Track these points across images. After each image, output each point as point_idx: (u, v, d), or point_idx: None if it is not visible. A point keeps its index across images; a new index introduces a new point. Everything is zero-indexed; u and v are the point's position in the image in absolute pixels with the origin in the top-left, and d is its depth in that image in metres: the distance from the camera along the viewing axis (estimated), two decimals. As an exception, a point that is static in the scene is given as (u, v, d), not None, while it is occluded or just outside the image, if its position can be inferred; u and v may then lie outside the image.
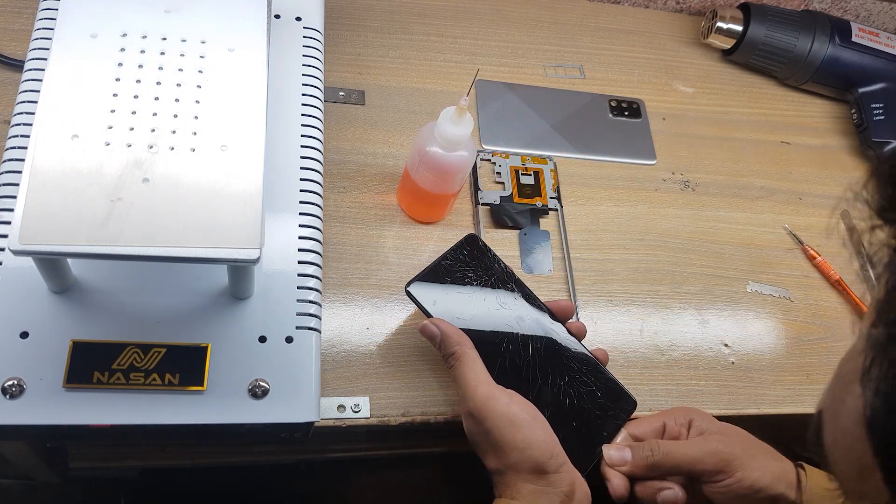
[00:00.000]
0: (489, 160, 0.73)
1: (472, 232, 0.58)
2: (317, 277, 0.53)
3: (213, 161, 0.46)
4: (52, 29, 0.50)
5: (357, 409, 0.56)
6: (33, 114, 0.46)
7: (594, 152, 0.78)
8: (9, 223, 0.45)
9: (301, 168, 0.56)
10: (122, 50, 0.49)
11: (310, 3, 0.64)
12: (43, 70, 0.49)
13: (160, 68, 0.49)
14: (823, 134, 0.88)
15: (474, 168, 0.71)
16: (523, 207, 0.70)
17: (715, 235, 0.75)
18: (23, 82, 0.54)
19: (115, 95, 0.47)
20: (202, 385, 0.47)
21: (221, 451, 0.73)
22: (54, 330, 0.47)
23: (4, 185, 0.49)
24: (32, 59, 0.54)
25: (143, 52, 0.49)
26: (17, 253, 0.41)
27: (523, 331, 0.55)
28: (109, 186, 0.43)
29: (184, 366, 0.47)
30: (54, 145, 0.44)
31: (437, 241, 0.67)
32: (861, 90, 0.86)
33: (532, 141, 0.76)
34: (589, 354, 0.56)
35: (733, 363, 0.68)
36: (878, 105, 0.85)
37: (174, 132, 0.46)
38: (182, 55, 0.49)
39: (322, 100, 0.61)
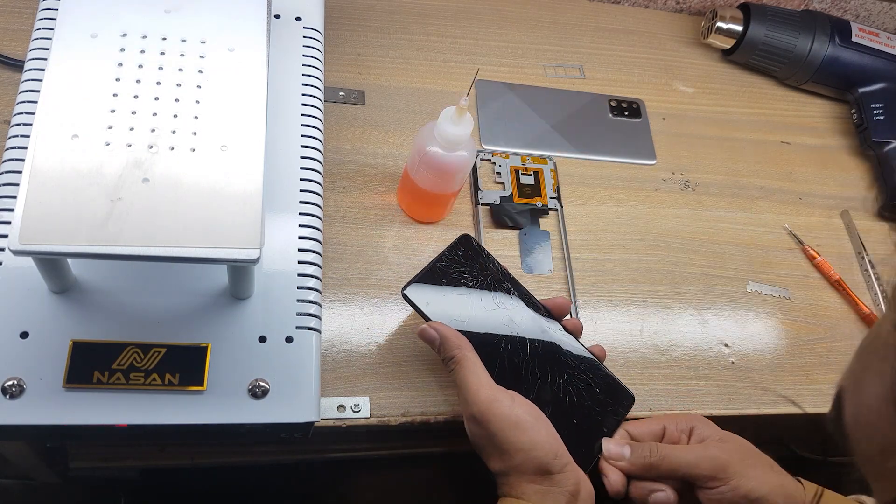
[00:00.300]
0: (489, 160, 0.73)
1: (467, 232, 0.58)
2: (317, 277, 0.53)
3: (213, 161, 0.46)
4: (52, 29, 0.50)
5: (357, 409, 0.56)
6: (33, 114, 0.46)
7: (594, 152, 0.78)
8: (9, 223, 0.45)
9: (301, 168, 0.56)
10: (122, 50, 0.49)
11: (310, 3, 0.64)
12: (43, 70, 0.49)
13: (160, 68, 0.49)
14: (823, 134, 0.88)
15: (474, 168, 0.71)
16: (523, 207, 0.70)
17: (715, 235, 0.75)
18: (23, 82, 0.54)
19: (115, 95, 0.47)
20: (202, 385, 0.47)
21: (221, 451, 0.73)
22: (54, 330, 0.47)
23: (4, 185, 0.49)
24: (32, 59, 0.54)
25: (143, 52, 0.49)
26: (17, 253, 0.41)
27: (521, 330, 0.55)
28: (109, 186, 0.43)
29: (184, 366, 0.47)
30: (54, 145, 0.44)
31: (437, 241, 0.67)
32: (861, 90, 0.86)
33: (532, 141, 0.76)
34: (586, 351, 0.56)
35: (733, 363, 0.68)
36: (878, 105, 0.85)
37: (174, 132, 0.46)
38: (182, 55, 0.49)
39: (322, 100, 0.61)
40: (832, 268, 0.75)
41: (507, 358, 0.54)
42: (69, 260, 0.47)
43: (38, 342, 0.46)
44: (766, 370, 0.68)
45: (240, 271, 0.48)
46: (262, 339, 0.49)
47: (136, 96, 0.47)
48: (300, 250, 0.53)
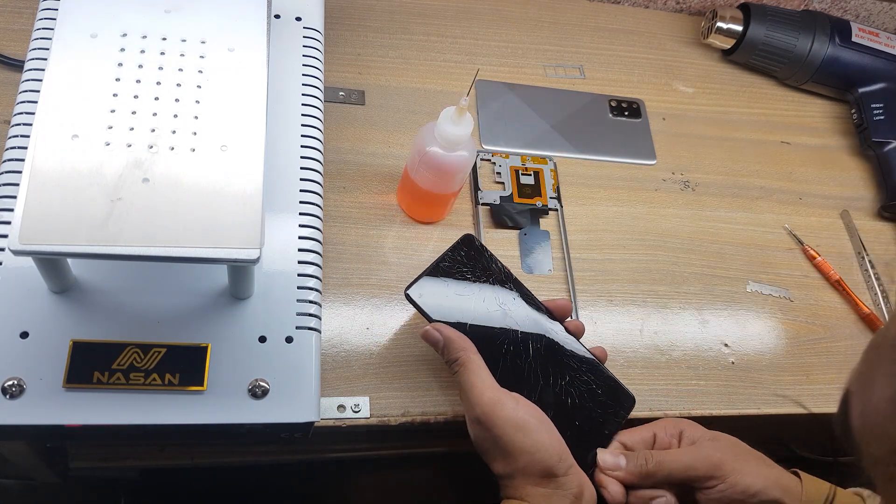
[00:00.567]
0: (489, 160, 0.73)
1: (469, 232, 0.58)
2: (317, 277, 0.53)
3: (213, 161, 0.46)
4: (52, 29, 0.50)
5: (357, 409, 0.56)
6: (33, 114, 0.46)
7: (594, 152, 0.78)
8: (9, 223, 0.45)
9: (301, 168, 0.56)
10: (122, 50, 0.49)
11: (310, 3, 0.64)
12: (43, 70, 0.49)
13: (160, 68, 0.49)
14: (823, 134, 0.88)
15: (474, 168, 0.71)
16: (523, 207, 0.70)
17: (715, 235, 0.75)
18: (23, 82, 0.54)
19: (115, 95, 0.47)
20: (202, 385, 0.47)
21: (221, 451, 0.73)
22: (54, 330, 0.47)
23: (4, 185, 0.49)
24: (32, 59, 0.54)
25: (143, 52, 0.49)
26: (17, 253, 0.41)
27: (523, 331, 0.55)
28: (109, 186, 0.43)
29: (184, 366, 0.47)
30: (54, 145, 0.44)
31: (437, 241, 0.67)
32: (861, 90, 0.86)
33: (532, 141, 0.76)
34: (588, 353, 0.56)
35: (733, 363, 0.68)
36: (878, 105, 0.85)
37: (174, 132, 0.46)
38: (182, 55, 0.49)
39: (322, 100, 0.61)
40: (832, 268, 0.75)
41: (510, 359, 0.54)
42: (69, 260, 0.47)
43: (38, 342, 0.46)
44: (766, 370, 0.68)
45: (240, 271, 0.48)
46: (262, 339, 0.49)
47: (136, 96, 0.47)
48: (300, 250, 0.53)
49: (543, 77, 0.82)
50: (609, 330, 0.66)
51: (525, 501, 0.47)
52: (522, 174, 0.73)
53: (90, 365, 0.46)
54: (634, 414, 0.56)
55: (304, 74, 0.61)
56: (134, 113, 0.46)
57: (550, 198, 0.72)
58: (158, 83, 0.48)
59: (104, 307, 0.48)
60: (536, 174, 0.73)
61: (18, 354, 0.45)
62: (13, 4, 0.69)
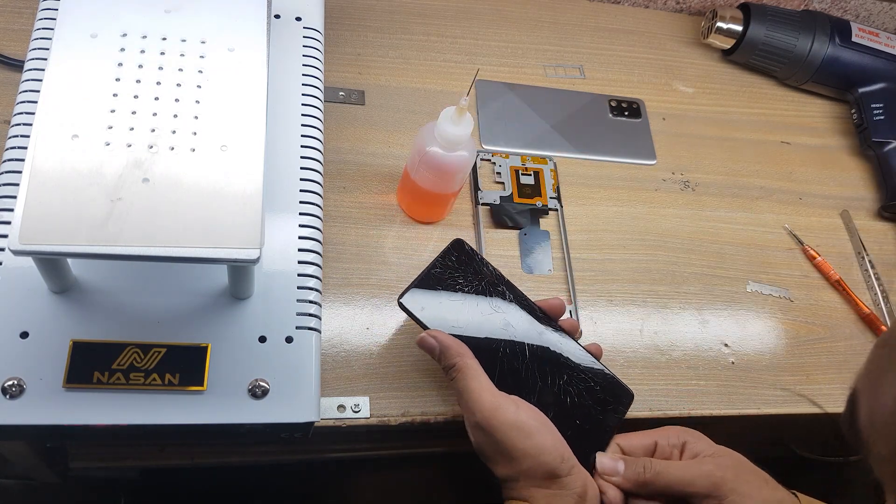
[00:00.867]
0: (489, 160, 0.73)
1: (459, 237, 0.58)
2: (317, 277, 0.53)
3: (213, 161, 0.46)
4: (52, 29, 0.50)
5: (357, 409, 0.56)
6: (33, 114, 0.46)
7: (594, 152, 0.78)
8: (9, 223, 0.45)
9: (301, 168, 0.56)
10: (122, 50, 0.49)
11: (310, 3, 0.64)
12: (43, 70, 0.49)
13: (160, 68, 0.49)
14: (823, 134, 0.88)
15: (474, 168, 0.71)
16: (523, 207, 0.70)
17: (715, 235, 0.75)
18: (23, 82, 0.54)
19: (115, 95, 0.47)
20: (202, 385, 0.47)
21: (221, 451, 0.73)
22: (54, 330, 0.47)
23: (4, 185, 0.49)
24: (32, 59, 0.54)
25: (143, 52, 0.49)
26: (17, 253, 0.41)
27: (518, 333, 0.55)
28: (109, 186, 0.43)
29: (184, 366, 0.47)
30: (54, 145, 0.44)
31: (437, 241, 0.67)
32: (861, 90, 0.86)
33: (532, 141, 0.76)
34: (584, 351, 0.56)
35: (733, 363, 0.68)
36: (878, 105, 0.85)
37: (174, 132, 0.46)
38: (182, 55, 0.49)
39: (322, 100, 0.61)
40: (832, 268, 0.75)
41: (507, 362, 0.54)
42: (69, 260, 0.47)
43: (38, 342, 0.46)
44: (766, 370, 0.68)
45: (240, 271, 0.48)
46: (262, 339, 0.49)
47: (136, 96, 0.47)
48: (300, 250, 0.53)
49: (543, 77, 0.82)
50: (609, 330, 0.66)
51: (528, 502, 0.47)
52: (522, 174, 0.73)
53: (90, 365, 0.46)
54: (634, 414, 0.56)
55: (304, 74, 0.61)
56: (134, 113, 0.46)
57: (550, 198, 0.72)
58: (158, 83, 0.48)
59: (104, 307, 0.48)
60: (536, 174, 0.73)
61: (18, 354, 0.45)
62: (13, 4, 0.69)
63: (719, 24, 0.86)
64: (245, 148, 0.46)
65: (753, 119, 0.87)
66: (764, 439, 0.53)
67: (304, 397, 0.48)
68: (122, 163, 0.44)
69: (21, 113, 0.52)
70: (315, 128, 0.59)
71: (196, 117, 0.47)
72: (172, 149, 0.45)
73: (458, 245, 0.58)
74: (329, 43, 0.70)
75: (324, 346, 0.58)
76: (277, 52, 0.60)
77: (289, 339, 0.50)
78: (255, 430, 0.48)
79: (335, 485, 0.84)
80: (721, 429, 0.53)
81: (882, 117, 0.84)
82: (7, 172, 0.50)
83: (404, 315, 0.62)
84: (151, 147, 0.45)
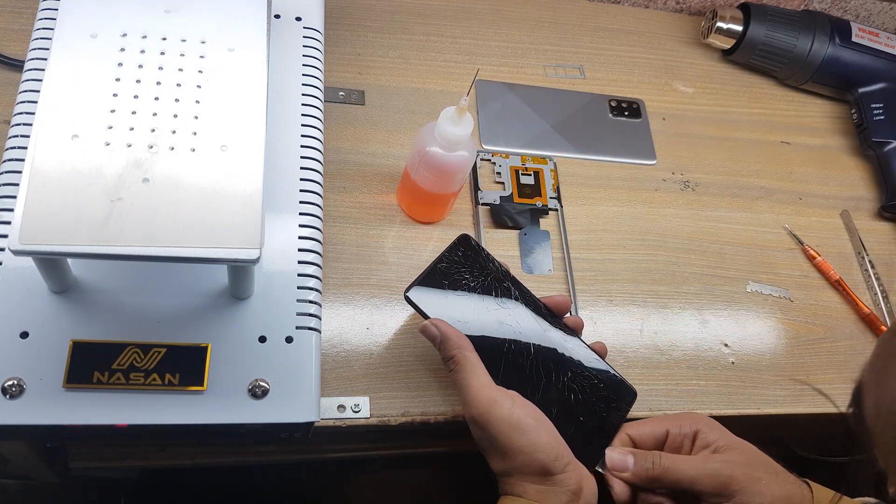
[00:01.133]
0: (489, 160, 0.73)
1: (465, 232, 0.58)
2: (317, 277, 0.53)
3: (213, 161, 0.46)
4: (52, 29, 0.50)
5: (357, 409, 0.56)
6: (33, 114, 0.46)
7: (594, 152, 0.78)
8: (9, 223, 0.45)
9: (301, 168, 0.56)
10: (122, 50, 0.49)
11: (310, 3, 0.64)
12: (43, 70, 0.49)
13: (160, 68, 0.49)
14: (823, 134, 0.88)
15: (474, 168, 0.71)
16: (523, 207, 0.70)
17: (715, 235, 0.75)
18: (23, 82, 0.54)
19: (115, 95, 0.47)
20: (202, 385, 0.47)
21: (221, 451, 0.73)
22: (54, 330, 0.47)
23: (4, 185, 0.49)
24: (32, 59, 0.54)
25: (143, 52, 0.49)
26: (17, 253, 0.41)
27: (523, 329, 0.55)
28: (109, 186, 0.43)
29: (184, 366, 0.47)
30: (54, 145, 0.44)
31: (437, 241, 0.67)
32: (861, 90, 0.86)
33: (532, 141, 0.76)
34: (588, 348, 0.56)
35: (733, 363, 0.68)
36: (878, 105, 0.85)
37: (174, 132, 0.46)
38: (182, 55, 0.49)
39: (322, 100, 0.61)
40: (832, 268, 0.75)
41: (512, 358, 0.54)
42: (69, 260, 0.47)
43: (38, 342, 0.46)
44: (766, 370, 0.68)
45: (240, 271, 0.48)
46: (262, 339, 0.49)
47: (136, 96, 0.47)
48: (300, 250, 0.53)
49: (543, 77, 0.82)
50: (609, 330, 0.66)
51: (522, 497, 0.47)
52: (522, 174, 0.73)
53: (90, 365, 0.46)
54: (634, 413, 0.56)
55: (304, 74, 0.61)
56: (134, 113, 0.46)
57: (550, 198, 0.72)
58: (158, 83, 0.48)
59: (104, 307, 0.48)
60: (536, 174, 0.73)
61: (18, 354, 0.45)
62: (13, 4, 0.69)
63: (719, 24, 0.86)
64: (245, 148, 0.46)
65: (753, 119, 0.87)
66: (764, 439, 0.53)
67: (303, 397, 0.48)
68: (122, 163, 0.44)
69: (21, 113, 0.52)
70: (315, 128, 0.59)
71: (196, 117, 0.47)
72: (172, 149, 0.45)
73: (464, 240, 0.58)
74: (329, 43, 0.70)
75: (324, 346, 0.58)
76: (277, 52, 0.60)
77: (289, 339, 0.50)
78: (255, 430, 0.48)
79: (335, 485, 0.84)
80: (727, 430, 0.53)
81: (882, 117, 0.84)
82: (7, 172, 0.50)
83: (404, 315, 0.62)
84: (151, 147, 0.45)
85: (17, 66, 0.64)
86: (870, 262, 0.77)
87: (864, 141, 0.85)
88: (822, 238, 0.78)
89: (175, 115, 0.47)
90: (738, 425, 0.54)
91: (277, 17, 0.63)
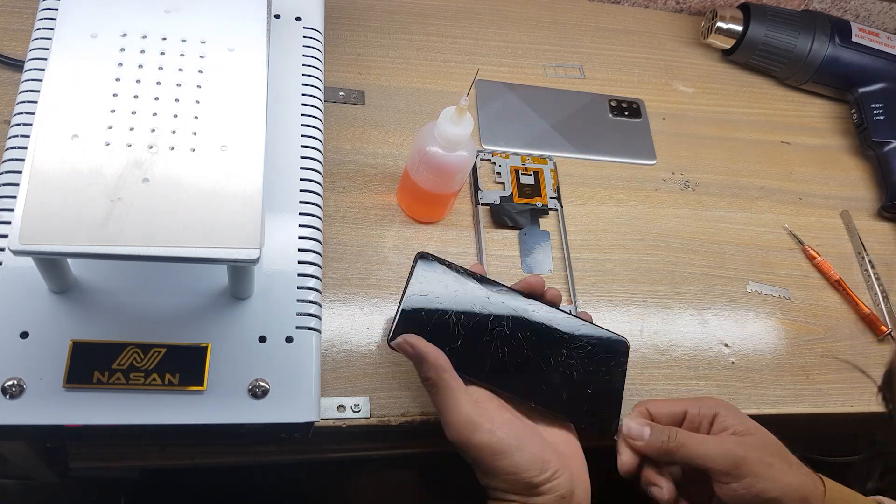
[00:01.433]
0: (489, 160, 0.73)
1: (421, 251, 0.56)
2: (317, 277, 0.53)
3: (213, 161, 0.46)
4: (52, 29, 0.50)
5: (357, 409, 0.56)
6: (33, 114, 0.46)
7: (594, 152, 0.78)
8: (9, 223, 0.45)
9: (301, 168, 0.56)
10: (122, 50, 0.49)
11: (310, 3, 0.64)
12: (43, 70, 0.49)
13: (160, 68, 0.49)
14: (823, 134, 0.88)
15: (474, 168, 0.71)
16: (523, 207, 0.70)
17: (715, 235, 0.75)
18: (23, 82, 0.54)
19: (115, 95, 0.47)
20: (202, 385, 0.47)
21: (221, 451, 0.73)
22: (54, 330, 0.47)
23: (4, 185, 0.49)
24: (32, 59, 0.54)
25: (143, 52, 0.49)
26: (17, 253, 0.41)
27: (510, 327, 0.55)
28: (109, 186, 0.43)
29: (184, 366, 0.47)
30: (54, 145, 0.44)
31: (438, 241, 0.67)
32: (861, 90, 0.86)
33: (532, 141, 0.76)
34: (570, 315, 0.56)
35: (733, 363, 0.68)
36: (878, 105, 0.85)
37: (174, 132, 0.46)
38: (182, 55, 0.49)
39: (322, 100, 0.61)
40: (832, 268, 0.75)
41: (509, 360, 0.54)
42: (69, 260, 0.47)
43: (38, 342, 0.46)
44: (766, 370, 0.68)
45: (240, 271, 0.48)
46: (262, 339, 0.49)
47: (136, 96, 0.47)
48: (300, 250, 0.53)
49: (543, 77, 0.82)
50: (609, 330, 0.66)
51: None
52: (522, 174, 0.73)
53: (90, 365, 0.46)
54: (659, 396, 0.56)
55: (304, 74, 0.61)
56: (134, 113, 0.46)
57: (550, 198, 0.72)
58: (158, 83, 0.48)
59: (104, 307, 0.48)
60: (536, 174, 0.73)
61: (18, 354, 0.45)
62: (13, 4, 0.69)
63: (719, 24, 0.86)
64: (245, 148, 0.46)
65: (753, 119, 0.87)
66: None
67: (303, 397, 0.48)
68: (122, 163, 0.44)
69: (21, 113, 0.52)
70: (315, 128, 0.59)
71: (196, 117, 0.47)
72: (172, 149, 0.45)
73: (422, 261, 0.55)
74: (329, 43, 0.70)
75: (324, 346, 0.58)
76: (277, 52, 0.60)
77: (289, 339, 0.50)
78: (255, 430, 0.48)
79: (335, 485, 0.84)
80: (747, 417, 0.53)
81: (882, 117, 0.84)
82: (7, 172, 0.50)
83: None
84: (151, 147, 0.45)
85: (17, 66, 0.64)
86: (870, 262, 0.77)
87: (864, 141, 0.85)
88: (822, 238, 0.78)
89: (175, 115, 0.47)
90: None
91: (277, 17, 0.63)
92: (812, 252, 0.76)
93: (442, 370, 0.49)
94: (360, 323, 0.61)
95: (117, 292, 0.49)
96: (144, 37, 0.50)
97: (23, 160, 0.45)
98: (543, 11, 0.88)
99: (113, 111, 0.46)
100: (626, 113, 0.81)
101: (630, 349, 0.57)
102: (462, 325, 0.53)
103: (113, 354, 0.46)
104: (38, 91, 0.46)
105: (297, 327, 0.50)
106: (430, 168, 0.60)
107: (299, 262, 0.53)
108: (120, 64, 0.48)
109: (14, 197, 0.46)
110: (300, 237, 0.54)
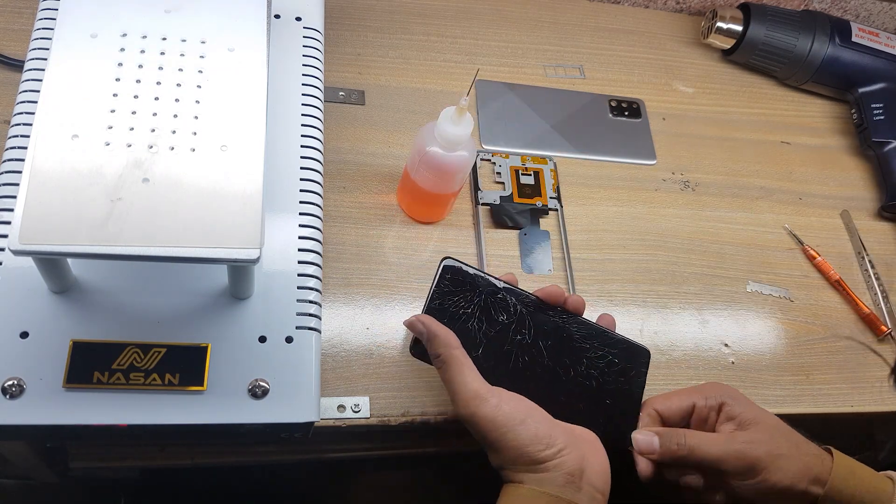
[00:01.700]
0: (489, 160, 0.73)
1: (446, 255, 0.55)
2: (317, 277, 0.53)
3: (213, 161, 0.46)
4: (52, 29, 0.50)
5: (357, 409, 0.56)
6: (33, 114, 0.46)
7: (594, 152, 0.78)
8: (9, 223, 0.45)
9: (301, 168, 0.56)
10: (122, 50, 0.49)
11: (310, 3, 0.64)
12: (43, 70, 0.49)
13: (160, 68, 0.49)
14: (823, 134, 0.88)
15: (474, 168, 0.71)
16: (523, 207, 0.70)
17: (715, 235, 0.75)
18: (23, 82, 0.54)
19: (115, 95, 0.47)
20: (202, 385, 0.47)
21: (221, 451, 0.73)
22: (54, 330, 0.47)
23: (4, 185, 0.49)
24: (32, 59, 0.54)
25: (143, 52, 0.49)
26: (17, 253, 0.41)
27: (530, 334, 0.55)
28: (109, 186, 0.43)
29: (184, 366, 0.47)
30: (54, 145, 0.44)
31: (437, 241, 0.67)
32: (861, 90, 0.86)
33: (532, 141, 0.76)
34: (592, 324, 0.56)
35: (733, 363, 0.68)
36: (878, 105, 0.85)
37: (174, 132, 0.46)
38: (182, 55, 0.49)
39: (322, 100, 0.61)
40: (832, 268, 0.75)
41: (529, 369, 0.53)
42: (69, 260, 0.47)
43: (38, 342, 0.46)
44: (766, 370, 0.68)
45: (240, 271, 0.48)
46: (262, 339, 0.49)
47: (136, 96, 0.47)
48: (300, 250, 0.53)
49: (543, 77, 0.82)
50: (609, 330, 0.66)
51: (523, 484, 0.48)
52: (522, 174, 0.73)
53: (90, 365, 0.46)
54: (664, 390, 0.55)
55: (304, 74, 0.61)
56: (134, 113, 0.46)
57: (550, 198, 0.72)
58: (158, 83, 0.48)
59: (104, 307, 0.48)
60: (536, 174, 0.73)
61: (18, 354, 0.45)
62: (13, 4, 0.69)
63: (719, 24, 0.86)
64: (245, 148, 0.46)
65: (753, 119, 0.87)
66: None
67: (303, 397, 0.48)
68: (122, 163, 0.44)
69: (21, 113, 0.52)
70: (315, 128, 0.59)
71: (196, 117, 0.47)
72: (172, 149, 0.45)
73: (448, 268, 0.55)
74: (329, 43, 0.70)
75: (324, 346, 0.58)
76: (277, 52, 0.60)
77: (289, 339, 0.50)
78: (255, 430, 0.48)
79: (335, 485, 0.84)
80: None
81: (882, 117, 0.84)
82: (7, 172, 0.50)
83: (404, 315, 0.62)
84: (151, 147, 0.45)
85: (17, 66, 0.64)
86: (870, 262, 0.77)
87: (864, 141, 0.85)
88: (822, 238, 0.78)
89: (175, 115, 0.47)
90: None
91: (277, 17, 0.63)
92: (812, 252, 0.76)
93: (451, 346, 0.50)
94: (360, 323, 0.61)
95: (117, 292, 0.49)
96: (144, 37, 0.50)
97: (23, 160, 0.46)
98: (543, 11, 0.88)
99: (113, 111, 0.46)
100: (626, 113, 0.81)
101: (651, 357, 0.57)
102: (484, 334, 0.53)
103: (113, 354, 0.46)
104: (38, 91, 0.46)
105: (297, 327, 0.50)
106: (430, 168, 0.60)
107: (299, 262, 0.53)
108: (120, 64, 0.48)
109: (14, 197, 0.46)
110: (300, 237, 0.54)
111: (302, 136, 0.58)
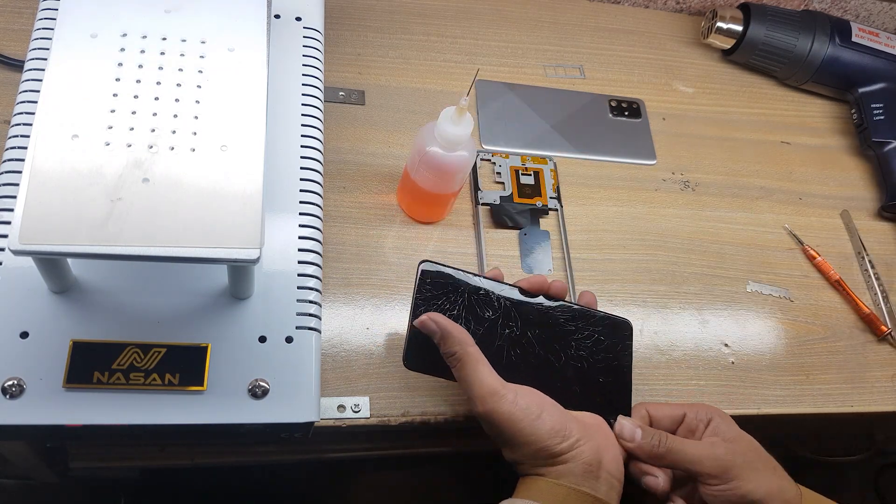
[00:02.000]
0: (489, 160, 0.73)
1: (423, 259, 0.55)
2: (317, 277, 0.53)
3: (213, 161, 0.46)
4: (52, 29, 0.50)
5: (357, 409, 0.56)
6: (33, 114, 0.46)
7: (594, 152, 0.78)
8: (9, 223, 0.45)
9: (301, 168, 0.56)
10: (122, 50, 0.49)
11: (310, 3, 0.64)
12: (43, 70, 0.49)
13: (160, 68, 0.49)
14: (823, 134, 0.88)
15: (474, 168, 0.71)
16: (523, 207, 0.70)
17: (715, 235, 0.75)
18: (23, 82, 0.54)
19: (115, 95, 0.47)
20: (202, 385, 0.47)
21: (221, 451, 0.73)
22: (54, 330, 0.47)
23: (4, 185, 0.49)
24: (32, 59, 0.54)
25: (143, 52, 0.49)
26: (17, 253, 0.41)
27: (518, 326, 0.55)
28: (109, 186, 0.43)
29: (184, 366, 0.47)
30: (54, 145, 0.44)
31: (437, 241, 0.67)
32: (861, 90, 0.86)
33: (532, 141, 0.76)
34: (575, 306, 0.57)
35: (733, 363, 0.68)
36: (878, 105, 0.85)
37: (174, 132, 0.46)
38: (182, 55, 0.49)
39: (322, 100, 0.61)
40: (832, 268, 0.75)
41: (521, 361, 0.54)
42: (69, 260, 0.47)
43: (38, 342, 0.46)
44: (766, 370, 0.68)
45: (240, 271, 0.48)
46: (262, 339, 0.49)
47: (136, 96, 0.47)
48: (300, 250, 0.53)
49: (543, 77, 0.82)
50: (609, 330, 0.66)
51: (543, 477, 0.48)
52: (522, 174, 0.73)
53: (90, 365, 0.46)
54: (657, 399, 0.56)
55: (304, 74, 0.61)
56: (134, 113, 0.46)
57: (550, 198, 0.72)
58: (158, 83, 0.48)
59: (104, 307, 0.48)
60: (536, 174, 0.73)
61: (18, 354, 0.45)
62: (13, 4, 0.69)
63: (719, 24, 0.86)
64: (245, 148, 0.46)
65: (753, 119, 0.87)
66: (763, 439, 0.53)
67: (303, 397, 0.49)
68: (122, 163, 0.44)
69: (21, 113, 0.52)
70: (315, 128, 0.59)
71: (196, 117, 0.47)
72: (172, 149, 0.45)
73: (426, 272, 0.54)
74: (329, 43, 0.70)
75: (324, 346, 0.58)
76: (277, 52, 0.60)
77: (289, 339, 0.50)
78: (255, 430, 0.48)
79: (335, 485, 0.84)
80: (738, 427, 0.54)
81: (882, 117, 0.84)
82: (7, 172, 0.50)
83: (405, 315, 0.62)
84: (151, 147, 0.45)
85: (17, 66, 0.64)
86: (870, 262, 0.77)
87: (864, 141, 0.85)
88: (822, 238, 0.78)
89: (175, 115, 0.47)
90: (738, 425, 0.54)
91: (277, 17, 0.63)
92: (812, 252, 0.76)
93: (466, 343, 0.51)
94: (360, 323, 0.61)
95: (117, 292, 0.49)
96: (144, 37, 0.50)
97: (23, 160, 0.46)
98: (543, 11, 0.88)
99: (113, 111, 0.46)
100: (626, 113, 0.81)
101: (633, 329, 0.58)
102: (473, 332, 0.53)
103: (113, 354, 0.46)
104: (38, 91, 0.46)
105: (297, 327, 0.50)
106: (430, 168, 0.60)
107: (299, 262, 0.53)
108: (120, 64, 0.48)
109: (14, 197, 0.46)
110: (300, 237, 0.54)
111: (302, 136, 0.58)
